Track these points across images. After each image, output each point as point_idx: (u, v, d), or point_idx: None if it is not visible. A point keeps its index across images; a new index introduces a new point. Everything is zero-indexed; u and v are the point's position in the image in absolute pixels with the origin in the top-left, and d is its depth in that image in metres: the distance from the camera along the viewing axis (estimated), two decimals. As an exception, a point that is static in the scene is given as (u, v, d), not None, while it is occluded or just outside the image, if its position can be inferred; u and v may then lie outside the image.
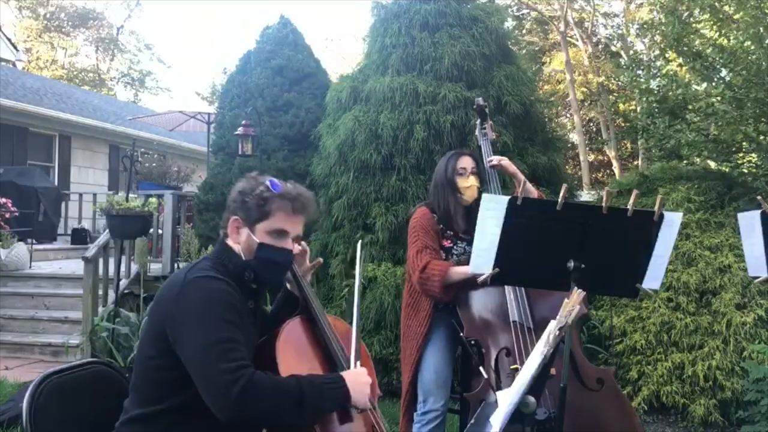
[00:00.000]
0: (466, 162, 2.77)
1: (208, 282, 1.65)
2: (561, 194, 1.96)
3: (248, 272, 1.74)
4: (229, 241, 1.79)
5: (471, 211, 2.77)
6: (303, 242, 1.97)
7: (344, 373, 1.72)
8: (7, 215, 7.34)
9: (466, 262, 2.66)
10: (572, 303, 1.55)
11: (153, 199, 6.16)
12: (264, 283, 1.82)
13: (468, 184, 2.74)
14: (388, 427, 3.90)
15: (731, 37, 5.45)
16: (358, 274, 1.99)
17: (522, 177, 2.86)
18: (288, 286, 1.97)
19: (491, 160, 2.82)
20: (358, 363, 1.79)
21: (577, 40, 19.88)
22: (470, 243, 2.71)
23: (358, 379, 1.72)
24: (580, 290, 1.62)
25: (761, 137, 5.17)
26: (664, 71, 6.06)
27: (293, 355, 1.76)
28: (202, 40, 48.87)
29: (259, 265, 1.74)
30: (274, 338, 1.76)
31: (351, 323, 1.90)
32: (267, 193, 1.74)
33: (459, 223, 2.81)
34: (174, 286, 1.67)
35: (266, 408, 1.56)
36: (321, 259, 2.20)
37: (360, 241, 2.09)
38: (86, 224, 10.10)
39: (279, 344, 1.74)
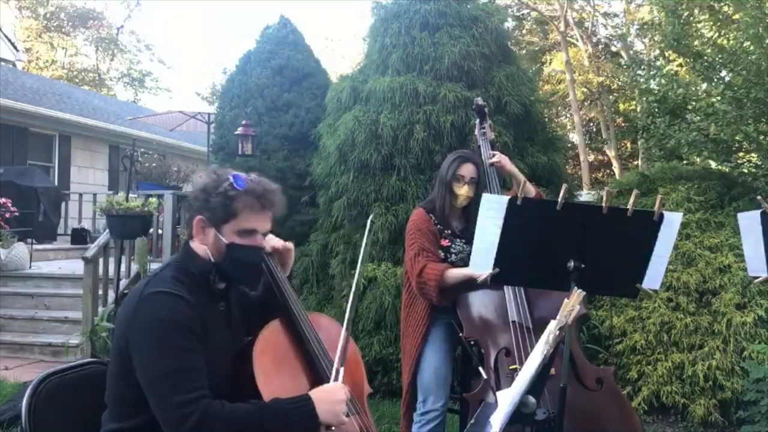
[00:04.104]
0: (466, 170, 2.79)
1: (162, 301, 1.56)
2: (561, 194, 1.96)
3: (213, 275, 1.68)
4: (194, 243, 1.71)
5: (468, 211, 2.78)
6: (289, 242, 1.93)
7: (313, 392, 1.63)
8: (7, 215, 7.33)
9: (465, 261, 2.67)
10: (572, 303, 1.55)
11: (153, 199, 6.16)
12: (238, 283, 1.76)
13: (461, 192, 2.77)
14: (388, 427, 3.88)
15: (731, 37, 5.45)
16: (363, 252, 1.81)
17: (522, 177, 2.86)
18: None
19: (493, 155, 2.86)
20: (342, 369, 1.70)
21: (577, 40, 19.89)
22: (468, 241, 2.73)
23: (329, 396, 1.63)
24: (580, 290, 1.62)
25: (761, 137, 5.17)
26: (664, 71, 6.05)
27: (272, 364, 1.70)
28: (202, 40, 48.92)
29: (230, 266, 1.67)
30: (251, 347, 1.69)
31: (343, 323, 1.80)
32: (232, 191, 1.65)
33: (454, 222, 2.83)
34: (132, 301, 1.61)
35: None
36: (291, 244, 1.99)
37: (371, 216, 1.99)
38: (86, 224, 10.10)
39: (255, 354, 1.67)
